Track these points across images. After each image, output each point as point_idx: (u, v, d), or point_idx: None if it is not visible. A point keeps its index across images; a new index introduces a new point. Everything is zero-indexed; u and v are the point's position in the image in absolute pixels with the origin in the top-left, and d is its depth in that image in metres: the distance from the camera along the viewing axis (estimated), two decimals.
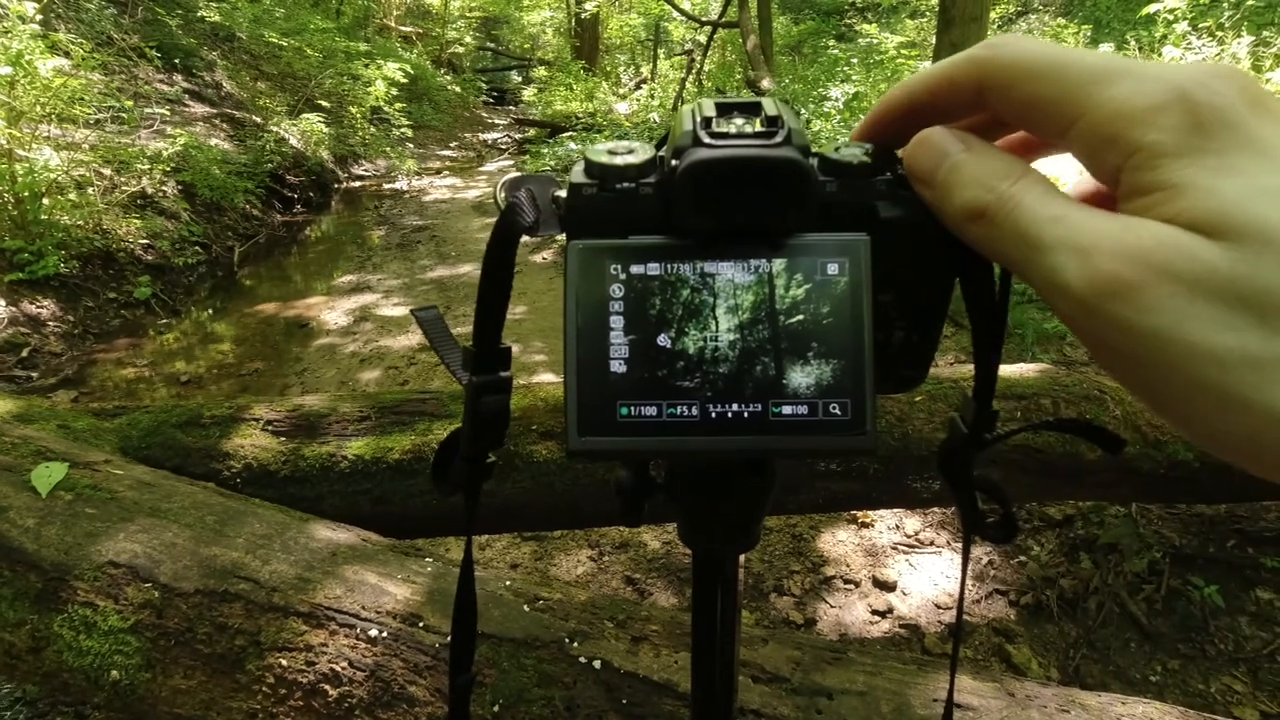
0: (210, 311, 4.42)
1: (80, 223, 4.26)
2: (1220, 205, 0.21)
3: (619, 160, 0.30)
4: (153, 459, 1.42)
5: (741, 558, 0.43)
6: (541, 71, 15.55)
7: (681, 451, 0.29)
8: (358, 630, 0.97)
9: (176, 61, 6.75)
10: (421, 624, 0.98)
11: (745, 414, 0.29)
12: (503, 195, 0.32)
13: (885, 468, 1.46)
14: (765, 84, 8.24)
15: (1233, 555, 1.93)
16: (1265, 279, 0.20)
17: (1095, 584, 1.91)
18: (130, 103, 5.06)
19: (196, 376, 3.54)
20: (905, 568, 2.07)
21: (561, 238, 0.31)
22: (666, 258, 0.29)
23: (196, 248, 4.94)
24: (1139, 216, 0.22)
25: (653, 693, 0.89)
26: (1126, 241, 0.22)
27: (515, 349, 3.67)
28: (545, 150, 7.87)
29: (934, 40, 5.58)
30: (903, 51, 7.46)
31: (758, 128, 0.29)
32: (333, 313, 4.30)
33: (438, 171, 9.11)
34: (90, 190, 4.44)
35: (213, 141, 6.05)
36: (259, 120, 7.01)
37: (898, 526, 2.22)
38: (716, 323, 0.29)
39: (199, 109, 6.68)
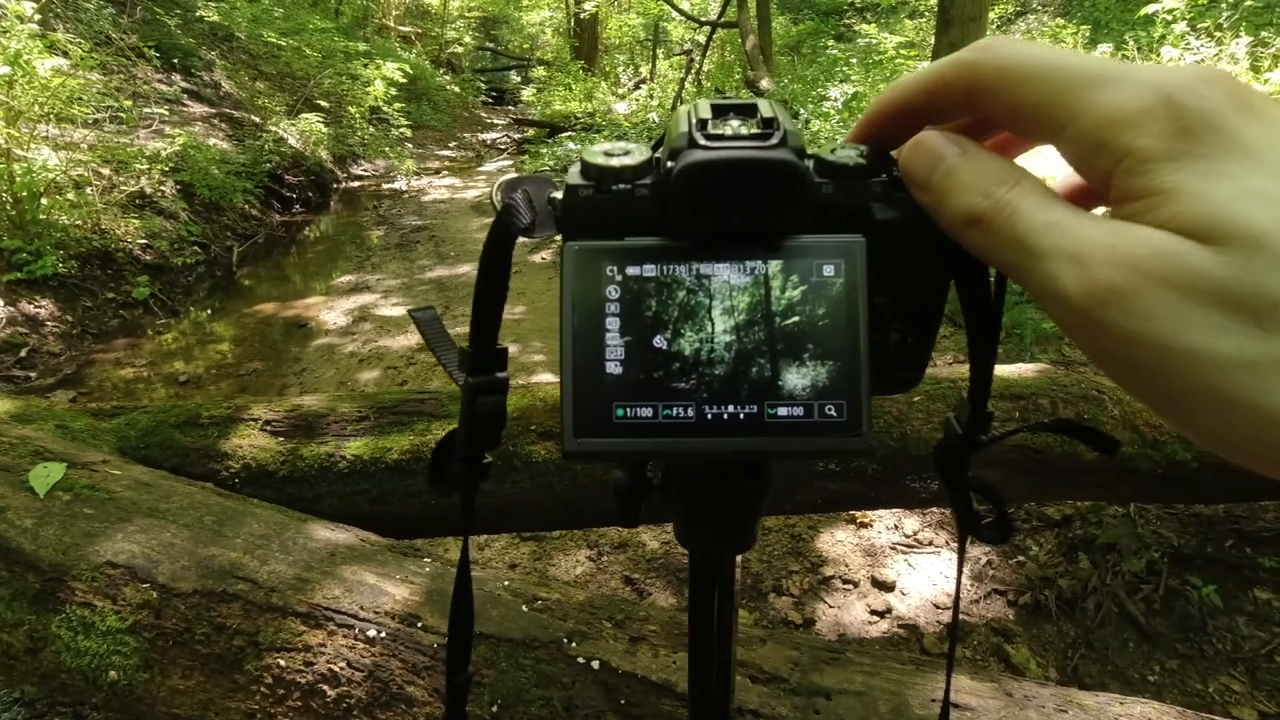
0: (209, 311, 4.42)
1: (79, 222, 4.26)
2: (1210, 210, 0.21)
3: (615, 162, 0.30)
4: (151, 459, 1.42)
5: (739, 558, 0.43)
6: (540, 71, 15.55)
7: (677, 453, 0.30)
8: (356, 630, 0.97)
9: (175, 61, 6.75)
10: (420, 624, 0.98)
11: (741, 415, 0.29)
12: (499, 197, 0.32)
13: (884, 468, 1.46)
14: (764, 84, 8.24)
15: (1231, 555, 1.93)
16: (1258, 282, 0.20)
17: (1094, 584, 1.92)
18: (129, 102, 5.06)
19: (195, 376, 3.54)
20: (904, 568, 2.07)
21: (560, 238, 0.31)
22: (662, 259, 0.29)
23: (195, 248, 4.94)
24: (1133, 217, 0.22)
25: (651, 693, 0.89)
26: (1120, 249, 0.22)
27: (514, 349, 3.68)
28: (544, 150, 7.87)
29: (933, 40, 5.58)
30: (902, 51, 7.46)
31: (753, 129, 0.29)
32: (331, 313, 4.30)
33: (437, 171, 9.11)
34: (89, 190, 4.44)
35: (211, 141, 6.05)
36: (258, 120, 7.01)
37: (897, 526, 2.22)
38: (712, 324, 0.29)
39: (198, 109, 6.68)
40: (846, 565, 2.09)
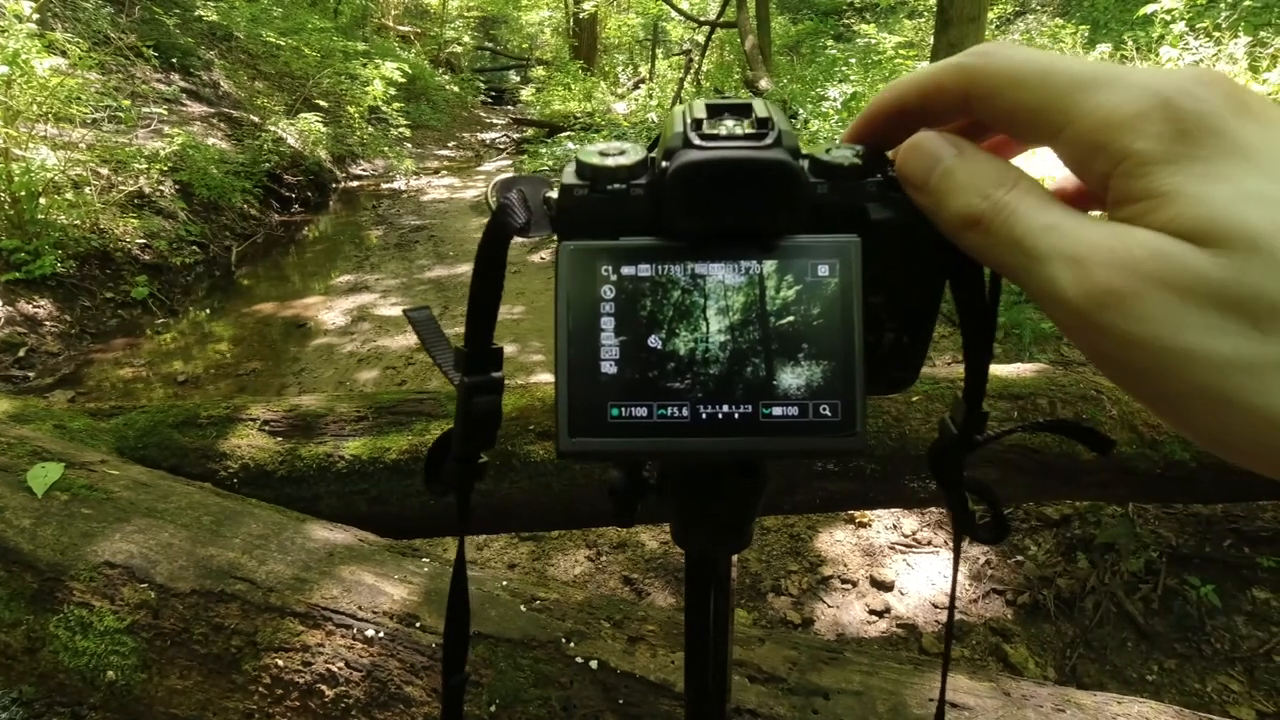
0: (208, 311, 4.42)
1: (77, 222, 4.26)
2: (1208, 212, 0.21)
3: (610, 161, 0.30)
4: (149, 459, 1.42)
5: (736, 557, 0.43)
6: (540, 71, 15.54)
7: (672, 452, 0.30)
8: (354, 630, 0.97)
9: (174, 61, 6.74)
10: (418, 624, 0.98)
11: (736, 415, 0.29)
12: (494, 196, 0.32)
13: (882, 468, 1.46)
14: (763, 84, 8.24)
15: (1229, 555, 1.94)
16: (1255, 284, 0.20)
17: (1092, 583, 1.92)
18: (127, 102, 5.05)
19: (194, 376, 3.53)
20: (903, 567, 2.07)
21: (555, 238, 0.31)
22: (657, 259, 0.29)
23: (194, 247, 4.94)
24: (1131, 220, 0.22)
25: (649, 693, 0.89)
26: (1118, 251, 0.22)
27: (513, 349, 3.68)
28: (543, 150, 7.87)
29: (932, 40, 5.59)
30: (901, 51, 7.46)
31: (748, 129, 0.29)
32: (330, 313, 4.29)
33: (436, 171, 9.10)
34: (87, 190, 4.43)
35: (210, 141, 6.04)
36: (256, 120, 7.00)
37: (895, 526, 2.22)
38: (707, 324, 0.29)
39: (196, 108, 6.67)
40: (845, 565, 2.09)
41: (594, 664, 0.92)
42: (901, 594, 1.98)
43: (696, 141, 0.28)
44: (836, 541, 2.18)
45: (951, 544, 2.15)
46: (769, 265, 0.29)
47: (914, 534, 2.19)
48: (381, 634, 0.96)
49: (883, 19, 12.26)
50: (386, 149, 8.78)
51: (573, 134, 8.58)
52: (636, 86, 13.48)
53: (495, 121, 14.10)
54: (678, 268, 0.29)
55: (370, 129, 8.80)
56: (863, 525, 2.23)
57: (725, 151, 0.28)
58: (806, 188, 0.29)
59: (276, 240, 5.90)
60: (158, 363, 3.69)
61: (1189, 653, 1.74)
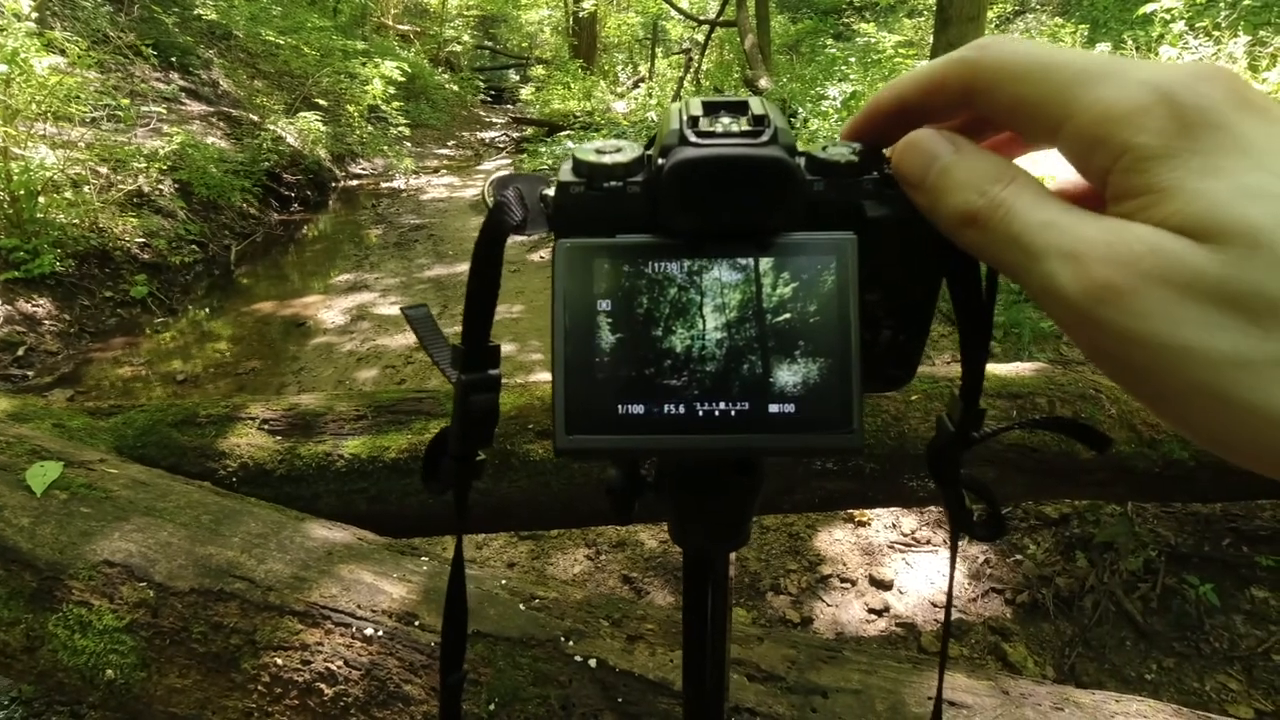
0: (207, 310, 4.42)
1: (76, 221, 4.26)
2: (1208, 208, 0.21)
3: (606, 159, 0.30)
4: (148, 458, 1.42)
5: (734, 556, 0.43)
6: (539, 70, 15.52)
7: (669, 450, 0.30)
8: (353, 629, 0.97)
9: (173, 59, 6.73)
10: (417, 623, 0.98)
11: (733, 412, 0.29)
12: (491, 194, 0.32)
13: (881, 466, 1.46)
14: (763, 83, 8.24)
15: (1228, 554, 1.94)
16: (1255, 280, 0.20)
17: (1091, 582, 1.92)
18: (126, 101, 5.05)
19: (193, 375, 3.53)
20: (902, 566, 2.07)
21: (552, 236, 0.31)
22: (654, 256, 0.29)
23: (193, 246, 4.94)
24: (1130, 215, 0.22)
25: (648, 691, 0.89)
26: (1117, 247, 0.22)
27: (512, 348, 3.68)
28: (543, 149, 7.86)
29: (931, 39, 5.59)
30: (900, 50, 7.45)
31: (744, 126, 0.29)
32: (330, 312, 4.29)
33: (435, 170, 9.10)
34: (86, 188, 4.43)
35: (209, 140, 6.04)
36: (256, 118, 6.99)
37: (894, 525, 2.22)
38: (704, 321, 0.29)
39: (196, 107, 6.67)
40: (844, 564, 2.09)
41: (593, 662, 0.92)
42: (900, 593, 1.99)
43: (693, 139, 0.28)
44: (835, 540, 2.18)
45: (949, 542, 2.15)
46: (765, 262, 0.29)
47: (913, 533, 2.19)
48: (380, 632, 0.97)
49: (882, 18, 12.25)
50: (386, 148, 8.78)
51: (572, 133, 8.58)
52: (636, 85, 13.48)
53: (495, 120, 14.10)
54: (674, 265, 0.29)
55: (370, 128, 8.80)
56: (862, 524, 2.23)
57: (721, 149, 0.28)
58: (802, 185, 0.29)
59: (276, 239, 5.90)
60: (157, 362, 3.69)
61: (1188, 651, 1.74)
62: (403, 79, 9.14)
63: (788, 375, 0.29)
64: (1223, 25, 5.06)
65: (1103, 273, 0.21)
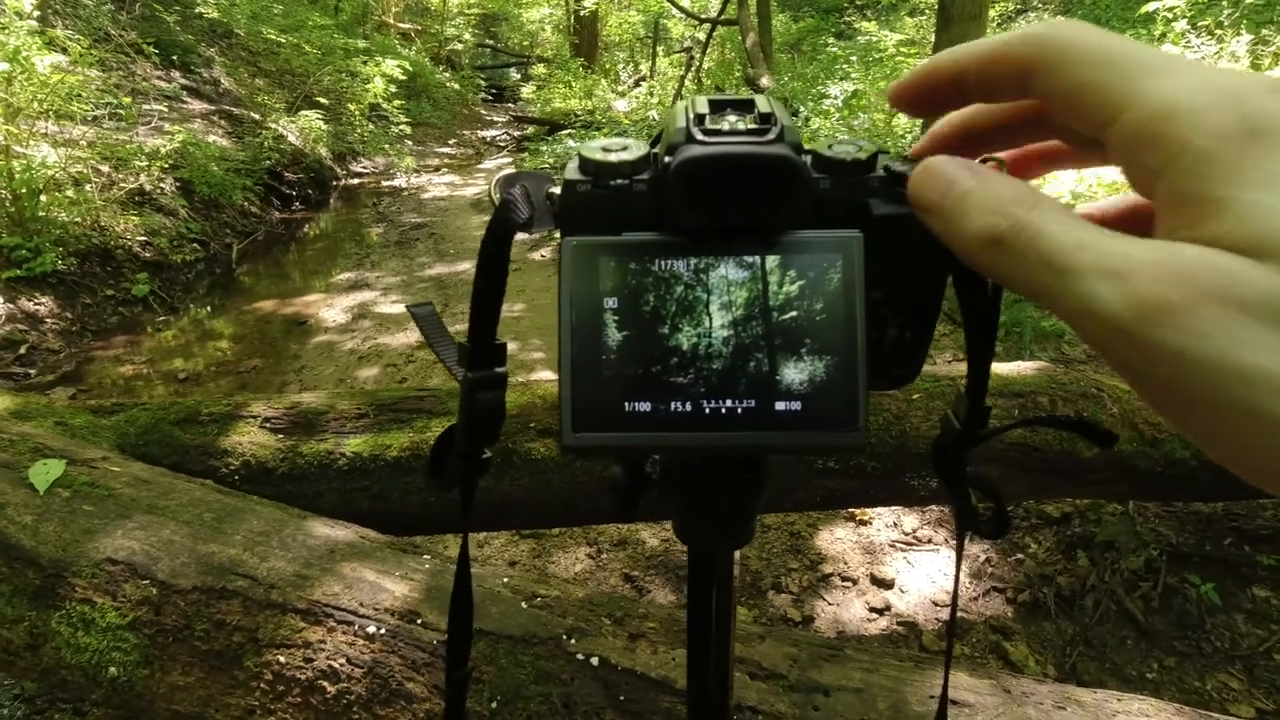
0: (208, 309, 4.42)
1: (78, 219, 4.26)
2: (1271, 225, 0.19)
3: (613, 157, 0.30)
4: (150, 456, 1.42)
5: (737, 554, 0.43)
6: (540, 69, 15.51)
7: (675, 447, 0.30)
8: (356, 627, 0.97)
9: (174, 58, 6.73)
10: (419, 621, 0.98)
11: (739, 410, 0.29)
12: (497, 192, 0.32)
13: (883, 465, 1.46)
14: (764, 82, 8.23)
15: (1229, 553, 1.94)
16: None
17: (1092, 581, 1.92)
18: (128, 99, 5.05)
19: (194, 374, 3.53)
20: (903, 565, 2.07)
21: (558, 234, 0.31)
22: (660, 254, 0.29)
23: (195, 245, 4.94)
24: (1179, 228, 0.21)
25: (650, 689, 0.89)
26: (1168, 263, 0.20)
27: (513, 347, 3.68)
28: (544, 148, 7.86)
29: (933, 38, 5.58)
30: (902, 49, 7.45)
31: (750, 124, 0.29)
32: (331, 310, 4.30)
33: (436, 169, 9.10)
34: (88, 187, 4.43)
35: (211, 138, 6.04)
36: (257, 117, 7.00)
37: (896, 524, 2.22)
38: (710, 319, 0.29)
39: (197, 105, 6.67)
40: (845, 563, 2.09)
41: (595, 661, 0.92)
42: (902, 592, 1.99)
43: (699, 137, 0.28)
44: (837, 539, 2.18)
45: (952, 541, 2.15)
46: (771, 260, 0.29)
47: (914, 532, 2.19)
48: (383, 630, 0.97)
49: (884, 16, 12.23)
50: (387, 146, 8.78)
51: (573, 132, 8.58)
52: (637, 84, 13.47)
53: (496, 119, 14.10)
54: (681, 263, 0.29)
55: (371, 126, 8.80)
56: (863, 523, 2.23)
57: (728, 147, 0.28)
58: (809, 183, 0.29)
59: (277, 238, 5.90)
60: (158, 360, 3.69)
61: (1189, 651, 1.74)
62: (404, 77, 9.15)
63: (794, 373, 0.29)
64: (1225, 24, 5.05)
65: (1154, 290, 0.20)
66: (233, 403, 1.56)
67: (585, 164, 0.30)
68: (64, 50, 4.40)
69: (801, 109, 6.57)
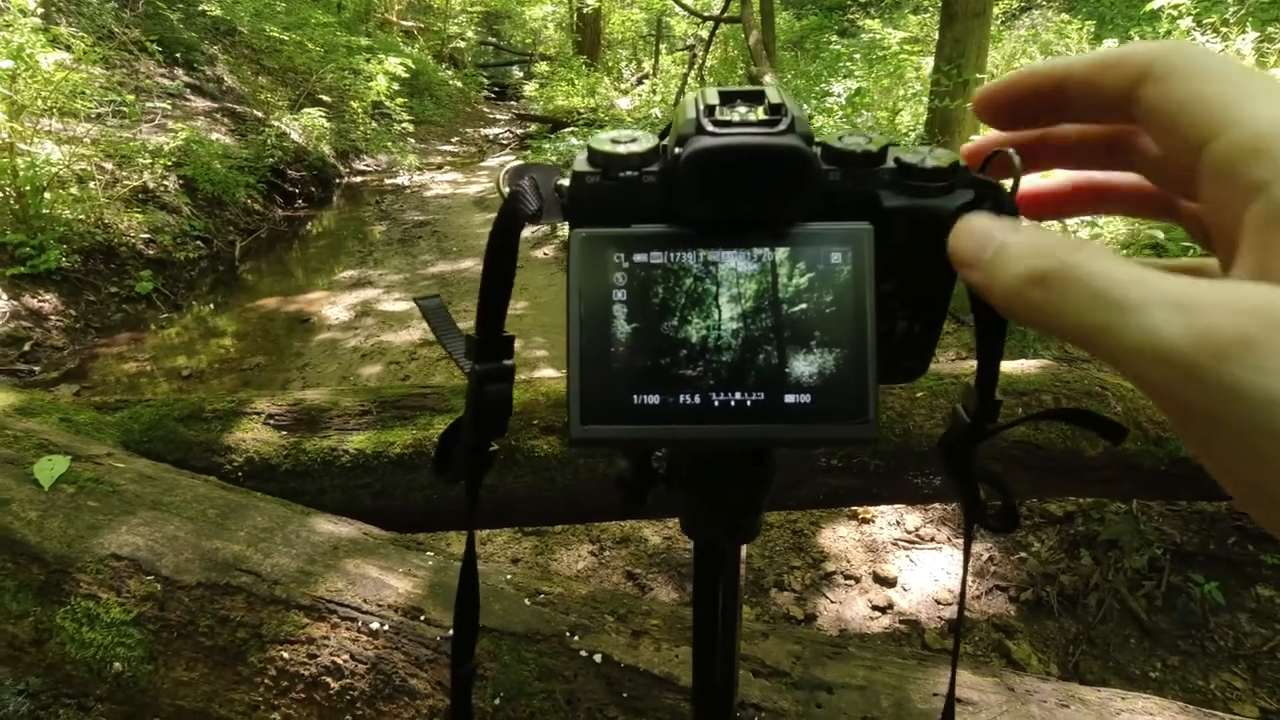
0: (212, 306, 4.43)
1: (82, 217, 4.27)
2: None
3: (622, 149, 0.30)
4: (154, 452, 1.42)
5: (743, 551, 0.43)
6: (543, 66, 15.50)
7: (684, 440, 0.29)
8: (359, 623, 0.97)
9: (178, 56, 6.74)
10: (423, 617, 0.98)
11: (748, 402, 0.29)
12: (506, 184, 0.32)
13: (886, 463, 1.46)
14: (767, 79, 8.21)
15: (1233, 552, 1.93)
16: None
17: (1095, 580, 1.92)
18: (131, 97, 5.06)
19: (198, 371, 3.54)
20: (905, 563, 2.07)
21: (564, 231, 0.31)
22: (669, 246, 0.29)
23: (198, 242, 4.95)
24: (1239, 279, 0.20)
25: (653, 686, 0.89)
26: (1249, 295, 0.19)
27: (516, 345, 3.68)
28: (547, 145, 7.86)
29: (937, 36, 5.56)
30: (905, 47, 7.43)
31: (761, 116, 0.29)
32: (334, 308, 4.30)
33: (439, 166, 9.10)
34: (92, 184, 4.44)
35: (214, 136, 6.05)
36: (260, 115, 7.00)
37: (898, 522, 2.22)
38: (719, 311, 0.29)
39: (200, 103, 6.67)
40: (848, 561, 2.09)
41: (598, 657, 0.92)
42: (904, 590, 1.98)
43: (710, 128, 0.28)
44: (840, 537, 2.18)
45: (955, 539, 2.14)
46: (781, 252, 0.29)
47: (917, 530, 2.19)
48: (386, 627, 0.97)
49: (887, 14, 12.20)
50: (390, 144, 8.78)
51: (576, 129, 8.57)
52: (640, 82, 13.45)
53: (498, 117, 14.09)
54: (690, 255, 0.29)
55: (374, 124, 8.80)
56: (866, 521, 2.23)
57: (738, 138, 0.28)
58: (819, 174, 0.29)
59: (280, 235, 5.91)
60: (162, 357, 3.70)
61: (1192, 650, 1.74)
62: (406, 75, 9.15)
63: (803, 365, 0.29)
64: (1230, 21, 5.03)
65: (1231, 322, 0.18)
66: (236, 400, 1.57)
67: (594, 156, 0.30)
68: (68, 48, 4.41)
69: (805, 106, 6.55)
